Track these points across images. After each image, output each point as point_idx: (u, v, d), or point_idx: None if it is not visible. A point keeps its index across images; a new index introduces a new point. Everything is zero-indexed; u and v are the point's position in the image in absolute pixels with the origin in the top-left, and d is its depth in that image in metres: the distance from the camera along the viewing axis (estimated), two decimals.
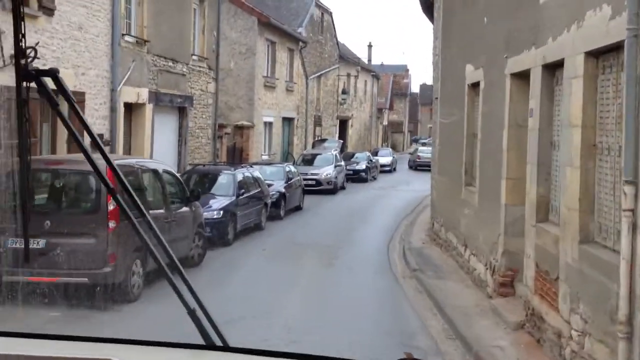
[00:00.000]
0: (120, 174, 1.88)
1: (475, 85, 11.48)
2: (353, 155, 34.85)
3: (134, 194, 1.90)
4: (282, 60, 29.12)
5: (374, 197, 26.32)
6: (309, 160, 28.18)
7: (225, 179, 15.61)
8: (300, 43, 31.43)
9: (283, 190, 19.14)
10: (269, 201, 17.50)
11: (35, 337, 1.92)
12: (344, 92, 39.81)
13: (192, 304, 1.87)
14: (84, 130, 1.87)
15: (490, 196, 9.92)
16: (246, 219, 15.65)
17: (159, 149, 17.09)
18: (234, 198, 14.95)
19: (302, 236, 16.50)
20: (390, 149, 45.59)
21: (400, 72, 75.86)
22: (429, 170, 41.69)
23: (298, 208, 20.98)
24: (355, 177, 31.57)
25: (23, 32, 1.68)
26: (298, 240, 15.82)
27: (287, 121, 30.98)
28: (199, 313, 1.86)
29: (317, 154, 28.66)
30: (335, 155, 28.41)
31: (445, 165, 14.45)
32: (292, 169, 21.72)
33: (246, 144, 25.29)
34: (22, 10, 1.70)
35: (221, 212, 14.01)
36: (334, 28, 38.43)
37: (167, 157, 17.70)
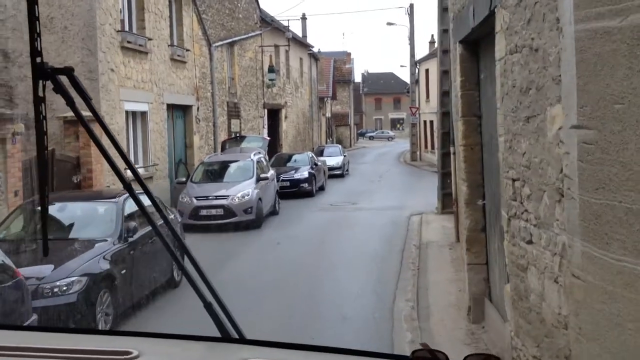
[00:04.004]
0: (140, 176, 1.93)
1: None
2: (290, 158, 24.01)
3: (155, 197, 1.99)
4: (157, 10, 17.54)
5: (326, 227, 15.56)
6: (213, 174, 16.90)
7: None
8: None
9: (103, 271, 7.66)
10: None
11: (55, 330, 2.05)
12: (271, 69, 28.26)
13: (209, 297, 1.87)
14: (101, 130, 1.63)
15: None
16: None
17: None
18: None
19: None
20: (340, 146, 34.48)
21: (342, 57, 66.65)
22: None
23: (170, 283, 9.60)
24: (294, 190, 20.97)
25: (38, 31, 1.69)
26: None
27: (179, 111, 19.42)
28: (215, 307, 1.85)
29: (228, 162, 17.40)
30: (259, 162, 17.24)
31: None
32: (138, 203, 10.13)
33: (87, 153, 13.67)
34: (36, 9, 1.72)
35: None
36: None
37: None
